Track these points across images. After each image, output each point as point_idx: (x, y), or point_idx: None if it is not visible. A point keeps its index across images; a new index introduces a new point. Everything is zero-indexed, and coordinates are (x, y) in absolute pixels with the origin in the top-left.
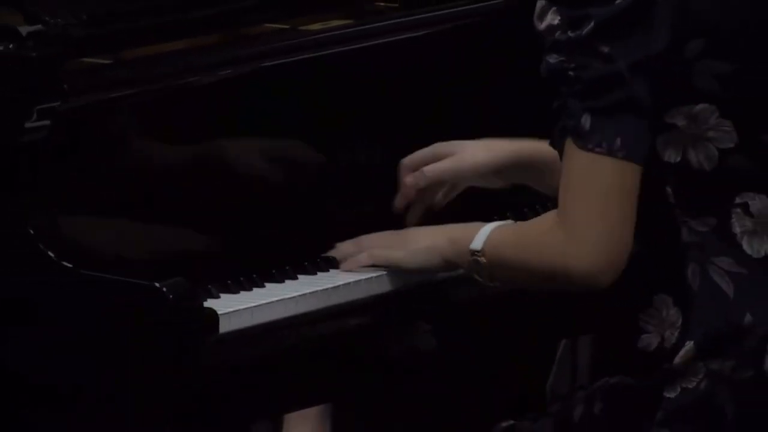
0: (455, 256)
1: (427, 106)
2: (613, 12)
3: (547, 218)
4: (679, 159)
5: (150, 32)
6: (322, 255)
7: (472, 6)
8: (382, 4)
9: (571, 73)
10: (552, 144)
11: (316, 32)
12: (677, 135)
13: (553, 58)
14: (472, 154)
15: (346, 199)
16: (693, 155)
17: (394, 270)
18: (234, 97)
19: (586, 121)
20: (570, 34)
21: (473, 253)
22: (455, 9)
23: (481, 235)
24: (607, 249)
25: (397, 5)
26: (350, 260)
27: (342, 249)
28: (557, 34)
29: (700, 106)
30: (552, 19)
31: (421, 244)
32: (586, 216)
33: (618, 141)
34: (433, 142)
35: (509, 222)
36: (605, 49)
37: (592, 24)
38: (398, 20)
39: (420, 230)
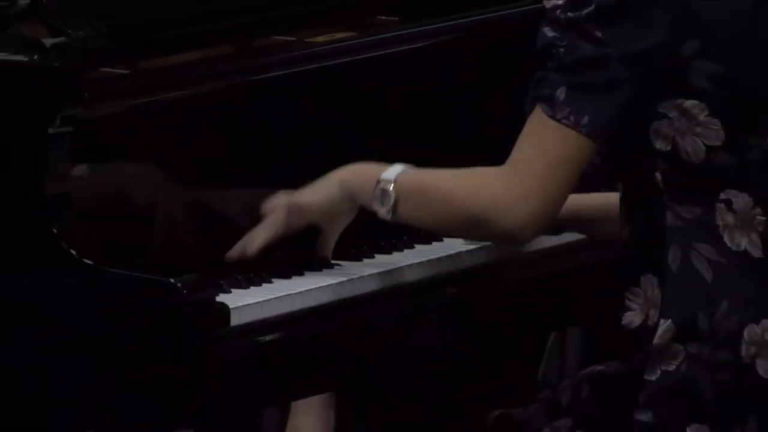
0: (357, 187)
1: (422, 112)
2: (613, 1)
3: (493, 169)
4: (669, 148)
5: (165, 44)
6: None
7: (464, 21)
8: (383, 18)
9: (561, 50)
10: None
11: (322, 44)
12: (668, 125)
13: (548, 32)
14: None
15: None
16: (682, 146)
17: (391, 270)
18: (244, 103)
19: (561, 93)
20: (569, 14)
21: (381, 181)
22: (449, 23)
23: (395, 168)
24: (540, 210)
25: (396, 19)
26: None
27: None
28: (558, 12)
29: (690, 102)
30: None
31: (321, 183)
32: (534, 175)
33: (585, 118)
34: (428, 145)
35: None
36: (598, 34)
37: (592, 8)
38: (398, 33)
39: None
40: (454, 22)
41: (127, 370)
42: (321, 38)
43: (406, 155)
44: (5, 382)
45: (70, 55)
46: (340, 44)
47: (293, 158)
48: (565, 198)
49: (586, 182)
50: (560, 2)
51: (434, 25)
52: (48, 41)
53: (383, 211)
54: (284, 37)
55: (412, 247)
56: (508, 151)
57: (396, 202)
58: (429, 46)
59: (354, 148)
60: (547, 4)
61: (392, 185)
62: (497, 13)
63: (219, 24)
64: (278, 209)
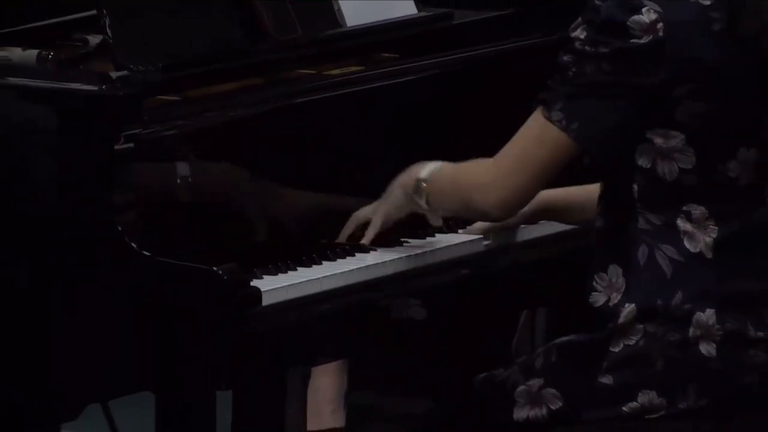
0: (410, 188)
1: (418, 132)
2: (627, 46)
3: (480, 165)
4: (649, 166)
5: (208, 76)
6: (340, 246)
7: (452, 57)
8: (385, 55)
9: (571, 72)
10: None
11: (336, 76)
12: (652, 148)
13: (566, 56)
14: None
15: (361, 205)
16: (660, 166)
17: (394, 258)
18: (273, 123)
19: (561, 101)
20: (587, 48)
21: (418, 180)
22: (439, 59)
23: (429, 167)
24: (509, 196)
25: (397, 56)
26: (367, 234)
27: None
28: (577, 43)
29: (673, 132)
30: (580, 33)
31: (392, 188)
32: (510, 168)
33: (576, 124)
34: (425, 157)
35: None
36: (608, 68)
37: (607, 50)
38: (397, 67)
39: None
40: (438, 59)
41: (179, 341)
42: (336, 71)
43: (403, 163)
44: (88, 348)
45: (131, 85)
46: (351, 76)
47: (312, 167)
48: (536, 190)
49: (574, 175)
50: (582, 36)
51: (424, 62)
52: (114, 74)
53: (423, 203)
54: (306, 71)
55: (408, 243)
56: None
57: (428, 196)
58: (420, 78)
59: (361, 156)
60: (571, 33)
61: (424, 183)
62: (471, 53)
63: (253, 60)
64: (377, 214)
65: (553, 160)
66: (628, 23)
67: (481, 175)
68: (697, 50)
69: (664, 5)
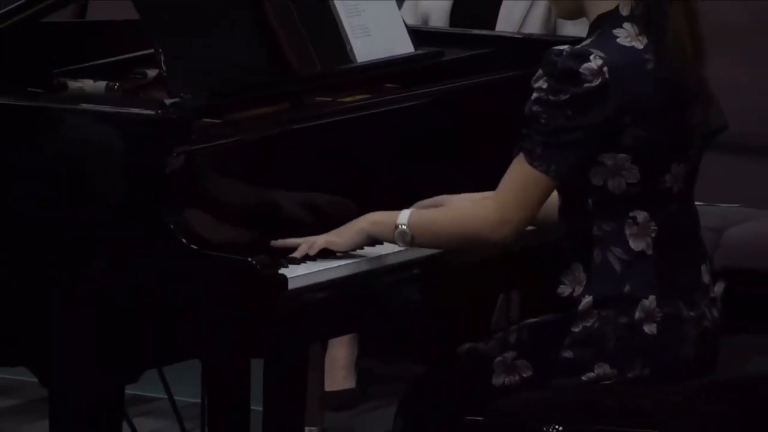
0: (378, 233)
1: (415, 149)
2: (581, 92)
3: (482, 207)
4: (601, 184)
5: (244, 102)
6: None
7: (442, 87)
8: (388, 85)
9: (542, 120)
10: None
11: (348, 102)
12: (603, 169)
13: (534, 107)
14: (463, 200)
15: (366, 208)
16: (610, 183)
17: (395, 252)
18: (297, 142)
19: (538, 148)
20: (551, 97)
21: (398, 226)
22: (432, 89)
23: (404, 213)
24: (517, 228)
25: (398, 86)
26: (300, 248)
27: (302, 244)
28: (542, 94)
29: (621, 155)
30: (543, 83)
31: (350, 231)
32: (514, 204)
33: (553, 167)
34: (421, 176)
35: (415, 211)
36: (569, 112)
37: (567, 96)
38: (398, 96)
39: (351, 223)
40: (431, 89)
41: (221, 318)
42: (347, 99)
43: (403, 178)
44: (148, 323)
45: (182, 110)
46: (360, 103)
47: (328, 177)
48: (532, 219)
49: None
50: (544, 86)
51: (420, 91)
52: (168, 101)
53: (403, 245)
54: (324, 98)
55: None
56: (477, 178)
57: (413, 238)
58: (417, 104)
59: (367, 168)
60: (534, 84)
61: (407, 227)
62: (457, 84)
63: (280, 89)
64: (319, 242)
65: (542, 194)
66: (580, 70)
67: (489, 216)
68: (635, 87)
69: (606, 52)
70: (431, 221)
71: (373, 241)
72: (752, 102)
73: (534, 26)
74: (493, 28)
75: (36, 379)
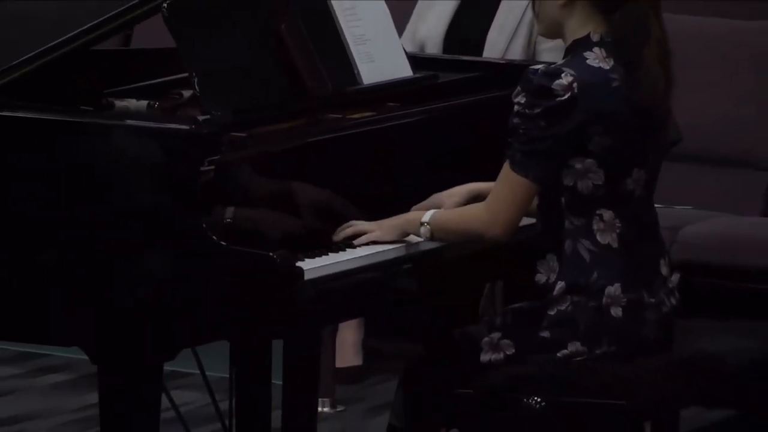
0: (409, 228)
1: (414, 159)
2: (553, 105)
3: (479, 206)
4: (571, 184)
5: (266, 119)
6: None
7: (437, 105)
8: (390, 104)
9: (521, 130)
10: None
11: (356, 119)
12: (573, 172)
13: (514, 119)
14: (448, 196)
15: (371, 211)
16: (579, 184)
17: (395, 247)
18: (312, 153)
19: (519, 155)
20: (527, 110)
21: (422, 223)
22: (428, 107)
23: (428, 214)
24: (508, 227)
25: (398, 104)
26: (345, 232)
27: (349, 230)
28: (520, 107)
29: (588, 160)
30: (521, 99)
31: (389, 225)
32: (503, 206)
33: (531, 172)
34: (418, 181)
35: (436, 211)
36: (543, 123)
37: (541, 109)
38: (399, 113)
39: (389, 219)
40: (427, 107)
41: (246, 305)
42: (355, 115)
43: (402, 183)
44: (183, 308)
45: (213, 126)
46: (366, 119)
47: (339, 184)
48: (521, 218)
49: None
50: (522, 101)
51: (418, 109)
52: (201, 118)
53: (425, 239)
54: (335, 115)
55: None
56: (472, 178)
57: (432, 234)
58: (415, 120)
59: (373, 176)
60: (514, 99)
61: (429, 225)
62: (450, 103)
63: (297, 107)
64: (365, 237)
65: (526, 196)
66: (552, 86)
67: (482, 217)
68: (601, 101)
69: (576, 70)
70: (446, 220)
71: (405, 234)
72: (702, 120)
73: (516, 53)
74: (480, 54)
75: (87, 357)
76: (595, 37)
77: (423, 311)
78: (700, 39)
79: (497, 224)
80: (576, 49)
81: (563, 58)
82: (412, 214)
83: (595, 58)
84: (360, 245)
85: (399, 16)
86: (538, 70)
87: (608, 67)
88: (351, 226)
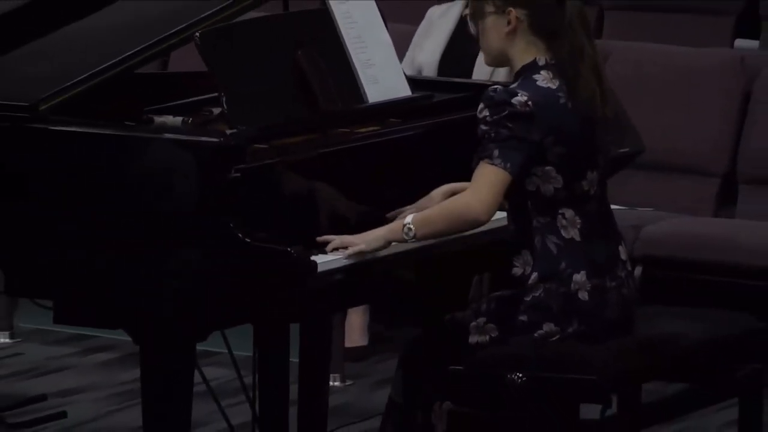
0: (392, 236)
1: (413, 167)
2: (516, 110)
3: (462, 196)
4: (534, 189)
5: (285, 132)
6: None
7: (433, 121)
8: (393, 120)
9: (492, 134)
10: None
11: (362, 132)
12: (535, 178)
13: (481, 128)
14: (427, 200)
15: (375, 213)
16: (542, 188)
17: (395, 247)
18: (324, 163)
19: (495, 151)
20: (494, 117)
21: (405, 225)
22: (425, 122)
23: (409, 216)
24: (488, 212)
25: (399, 120)
26: (333, 244)
27: (335, 243)
28: (486, 117)
29: (548, 167)
30: (485, 112)
31: (373, 237)
32: (483, 188)
33: (508, 163)
34: (417, 187)
35: (416, 213)
36: (510, 125)
37: (506, 113)
38: (400, 127)
39: (372, 231)
40: (425, 122)
41: (267, 293)
42: (362, 129)
43: (403, 189)
44: (214, 296)
45: (239, 138)
46: (372, 132)
47: (346, 190)
48: (498, 203)
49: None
50: (486, 113)
51: (416, 124)
52: (228, 131)
53: (410, 240)
54: (344, 129)
55: None
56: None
57: (416, 232)
58: (414, 134)
59: (377, 183)
60: (479, 114)
61: (412, 225)
62: (444, 118)
63: (311, 122)
64: (350, 250)
65: (502, 185)
66: (512, 101)
67: (467, 202)
68: (553, 117)
69: (529, 91)
70: (427, 215)
71: (389, 242)
72: (662, 134)
73: (501, 76)
74: (470, 77)
75: (130, 338)
76: (541, 62)
77: (420, 300)
78: (662, 66)
79: (478, 203)
80: (525, 73)
81: (513, 81)
82: (393, 223)
83: (543, 79)
84: (330, 251)
85: (400, 43)
86: (497, 88)
87: (555, 87)
88: (336, 239)
